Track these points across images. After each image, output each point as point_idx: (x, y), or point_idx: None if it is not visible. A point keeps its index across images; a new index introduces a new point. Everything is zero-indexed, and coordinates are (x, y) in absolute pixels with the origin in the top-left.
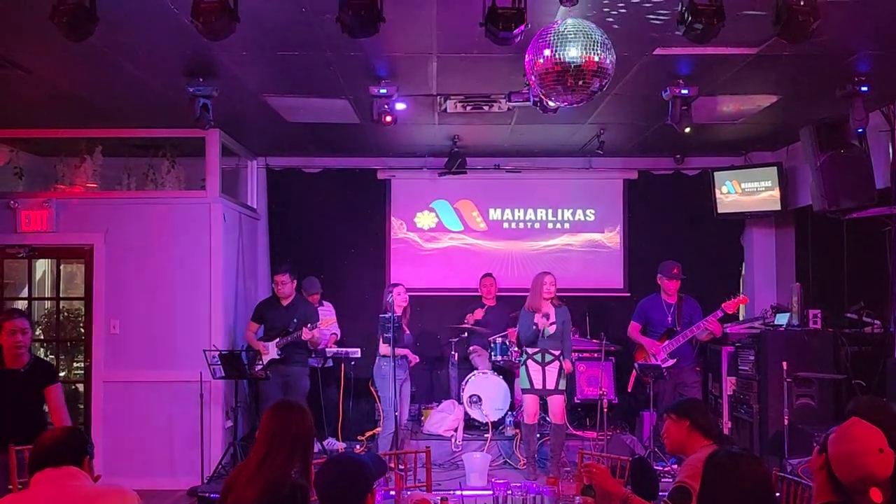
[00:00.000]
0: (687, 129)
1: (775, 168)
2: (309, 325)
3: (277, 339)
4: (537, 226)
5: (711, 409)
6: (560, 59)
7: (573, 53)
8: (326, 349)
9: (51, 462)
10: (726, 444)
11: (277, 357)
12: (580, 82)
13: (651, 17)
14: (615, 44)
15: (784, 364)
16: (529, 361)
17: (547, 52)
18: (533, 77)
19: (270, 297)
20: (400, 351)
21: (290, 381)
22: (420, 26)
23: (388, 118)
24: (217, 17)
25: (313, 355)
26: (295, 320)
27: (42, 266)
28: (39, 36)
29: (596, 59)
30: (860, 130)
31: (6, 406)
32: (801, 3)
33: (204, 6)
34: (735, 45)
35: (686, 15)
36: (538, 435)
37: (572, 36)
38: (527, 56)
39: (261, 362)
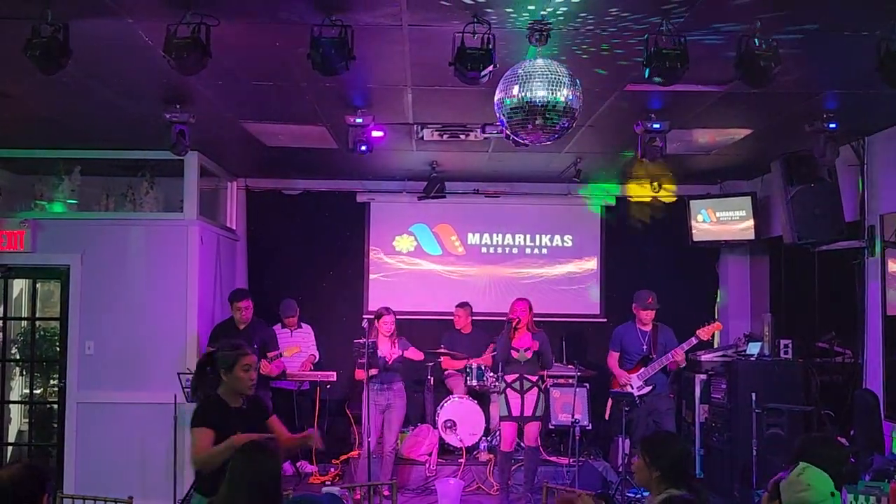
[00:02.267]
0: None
1: (749, 198)
2: (268, 356)
3: (263, 361)
4: (515, 251)
5: (685, 435)
6: (527, 98)
7: (540, 93)
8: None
9: (9, 502)
10: (689, 494)
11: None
12: (548, 122)
13: (620, 55)
14: (586, 81)
15: (753, 395)
16: (508, 390)
17: (515, 91)
18: (501, 116)
19: (227, 320)
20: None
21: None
22: (394, 61)
23: (365, 147)
24: (189, 53)
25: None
26: (255, 346)
27: (20, 283)
28: (16, 64)
29: (563, 98)
30: (827, 165)
31: None
32: (763, 49)
33: (176, 41)
34: (703, 84)
35: (652, 58)
36: (512, 461)
37: (539, 75)
38: (496, 95)
39: None
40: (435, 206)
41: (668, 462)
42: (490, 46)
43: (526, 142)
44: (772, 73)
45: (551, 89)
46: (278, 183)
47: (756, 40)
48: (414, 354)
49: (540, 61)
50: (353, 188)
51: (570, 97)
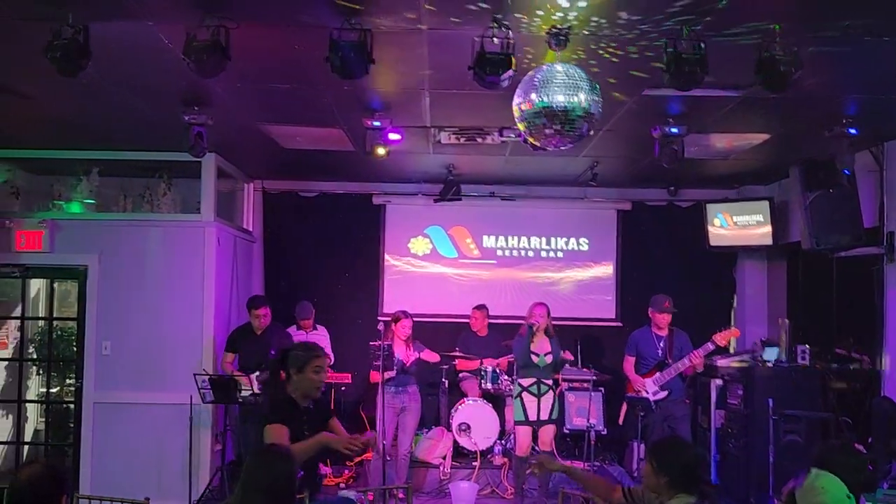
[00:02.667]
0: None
1: (767, 202)
2: None
3: (258, 374)
4: (531, 254)
5: (700, 441)
6: (546, 103)
7: (559, 98)
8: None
9: (29, 501)
10: (701, 500)
11: (259, 392)
12: (566, 127)
13: (638, 60)
14: (604, 86)
15: (770, 401)
16: (524, 394)
17: (534, 97)
18: (520, 121)
19: (244, 325)
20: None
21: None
22: (412, 65)
23: (382, 150)
24: (208, 56)
25: None
26: (272, 351)
27: (37, 283)
28: (37, 66)
29: (582, 104)
30: (847, 172)
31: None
32: (783, 54)
33: (196, 44)
34: (721, 88)
35: (671, 64)
36: (527, 465)
37: (558, 81)
38: (515, 100)
39: (248, 389)
40: (450, 208)
41: (678, 468)
42: (510, 51)
43: (545, 147)
44: (791, 78)
45: (570, 94)
46: (295, 185)
47: (776, 45)
48: (429, 356)
49: (559, 66)
50: (369, 190)
51: (590, 102)
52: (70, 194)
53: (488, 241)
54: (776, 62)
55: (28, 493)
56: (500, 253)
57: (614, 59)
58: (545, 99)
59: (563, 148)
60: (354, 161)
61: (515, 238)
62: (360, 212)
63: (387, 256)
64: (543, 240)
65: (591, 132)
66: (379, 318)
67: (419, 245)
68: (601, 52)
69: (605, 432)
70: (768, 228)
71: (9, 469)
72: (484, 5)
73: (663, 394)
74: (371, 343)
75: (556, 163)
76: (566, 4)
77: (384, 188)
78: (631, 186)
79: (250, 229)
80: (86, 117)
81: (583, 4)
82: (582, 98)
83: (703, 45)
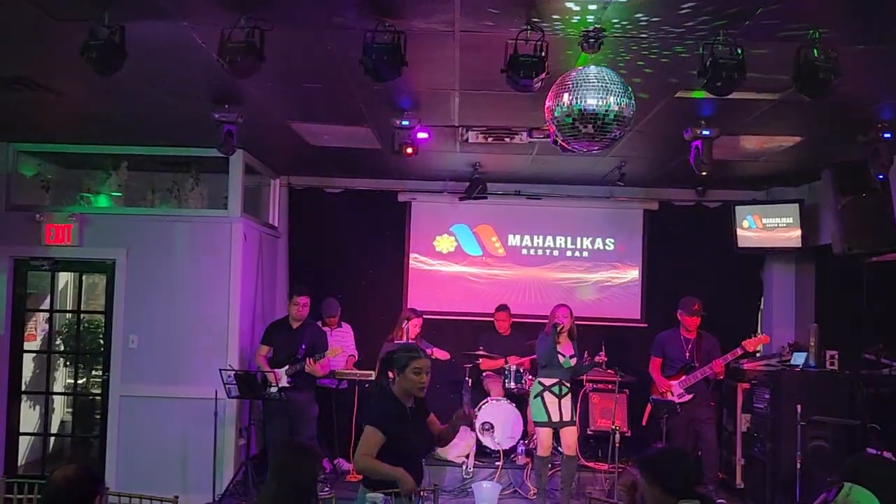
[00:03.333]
0: (703, 172)
1: (797, 205)
2: (315, 357)
3: (287, 367)
4: (556, 253)
5: (725, 444)
6: (578, 106)
7: (592, 102)
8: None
9: (64, 503)
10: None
11: (288, 385)
12: (598, 130)
13: (672, 63)
14: (635, 87)
15: (798, 407)
16: (546, 393)
17: (566, 99)
18: (552, 124)
19: (282, 318)
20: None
21: (296, 407)
22: (443, 65)
23: (410, 150)
24: (243, 57)
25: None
26: (303, 346)
27: (65, 275)
28: (72, 64)
29: (615, 107)
30: (881, 177)
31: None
32: (822, 59)
33: (230, 45)
34: (756, 91)
35: (708, 69)
36: (549, 465)
37: (592, 84)
38: (546, 102)
39: (275, 385)
40: (476, 206)
41: (668, 477)
42: (543, 54)
43: (577, 150)
44: (831, 84)
45: (603, 97)
46: (320, 181)
47: (815, 50)
48: (440, 354)
49: (592, 69)
50: (395, 187)
51: (623, 106)
52: (99, 188)
53: (513, 240)
54: (816, 68)
55: (64, 493)
56: (525, 252)
57: (646, 62)
58: (578, 102)
59: (594, 151)
60: (381, 158)
61: (541, 237)
62: (386, 209)
63: (411, 254)
64: (569, 239)
65: (624, 136)
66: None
67: (444, 243)
68: (633, 54)
69: (628, 434)
70: (798, 231)
71: (36, 459)
72: (517, 8)
73: (688, 396)
74: (396, 342)
75: (583, 162)
76: (599, 7)
77: (410, 185)
78: (658, 186)
79: (275, 225)
80: (116, 113)
81: (617, 8)
82: (615, 101)
83: (740, 50)
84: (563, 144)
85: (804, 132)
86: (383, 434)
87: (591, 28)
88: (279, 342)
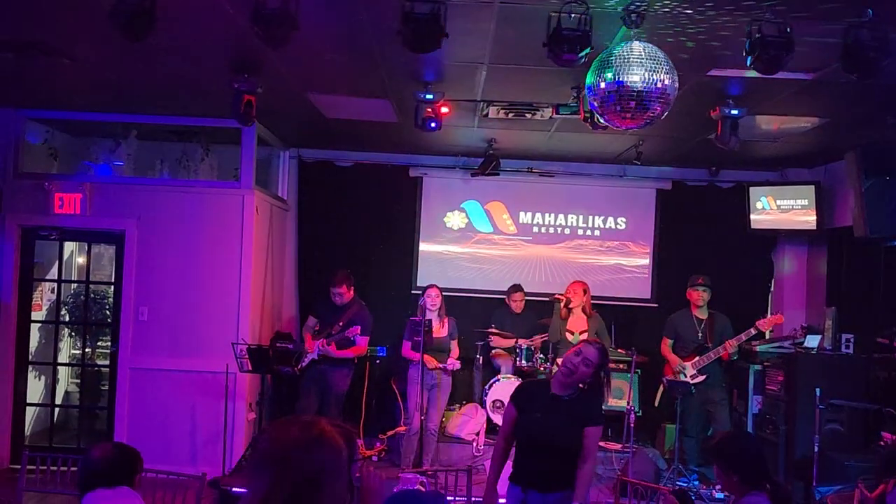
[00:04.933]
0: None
1: (813, 187)
2: (328, 340)
3: (322, 340)
4: (567, 231)
5: (735, 426)
6: (622, 82)
7: (636, 78)
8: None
9: (104, 482)
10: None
11: (316, 358)
12: (641, 107)
13: (710, 40)
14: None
15: (818, 390)
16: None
17: (609, 76)
18: (593, 101)
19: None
20: (430, 361)
21: (328, 381)
22: (476, 38)
23: (433, 124)
24: (278, 25)
25: None
26: (341, 323)
27: (70, 245)
28: (91, 29)
29: (659, 84)
30: None
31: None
32: (872, 39)
33: (266, 13)
34: (792, 70)
35: (755, 47)
36: None
37: (636, 59)
38: (588, 77)
39: (305, 358)
40: (487, 183)
41: (743, 461)
42: (587, 28)
43: (618, 127)
44: (879, 65)
45: (648, 74)
46: (331, 154)
47: (865, 31)
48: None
49: (636, 44)
50: (406, 162)
51: (667, 83)
52: (108, 157)
53: (525, 218)
54: (865, 48)
55: (112, 466)
56: (536, 230)
57: (688, 37)
58: (622, 78)
59: (635, 129)
60: (395, 132)
61: (552, 215)
62: (396, 184)
63: (422, 230)
64: (580, 217)
65: (665, 114)
66: (412, 291)
67: (455, 219)
68: (672, 30)
69: (640, 414)
70: (813, 212)
71: (42, 430)
72: None
73: (701, 377)
74: (411, 318)
75: (599, 140)
76: None
77: (421, 160)
78: (671, 165)
79: (285, 197)
80: (130, 81)
81: None
82: (658, 78)
83: (789, 28)
84: (598, 121)
85: (829, 114)
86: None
87: (634, 2)
88: (323, 316)
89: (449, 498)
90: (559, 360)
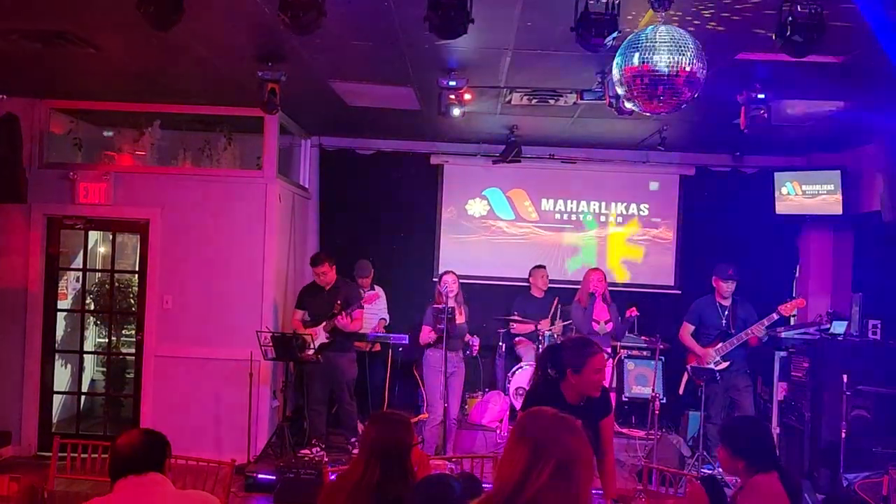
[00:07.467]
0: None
1: (839, 171)
2: (346, 311)
3: (325, 323)
4: (590, 217)
5: (761, 412)
6: (650, 66)
7: (664, 62)
8: (369, 334)
9: (134, 469)
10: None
11: (326, 341)
12: (670, 92)
13: (739, 23)
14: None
15: (845, 376)
16: None
17: (636, 59)
18: (620, 85)
19: (312, 282)
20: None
21: (336, 368)
22: (501, 23)
23: (457, 112)
24: (306, 12)
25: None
26: (338, 303)
27: (94, 234)
28: (118, 19)
29: (687, 68)
30: None
31: None
32: None
33: (293, 0)
34: (820, 54)
35: (787, 28)
36: None
37: (664, 43)
38: (615, 61)
39: (312, 346)
40: (509, 170)
41: (752, 448)
42: (615, 11)
43: (644, 112)
44: None
45: (676, 59)
46: (352, 142)
47: None
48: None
49: (664, 28)
50: (427, 150)
51: (697, 67)
52: (131, 148)
53: (546, 205)
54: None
55: (141, 453)
56: (558, 216)
57: (717, 22)
58: (650, 62)
59: (663, 114)
60: (417, 120)
61: (574, 202)
62: (418, 171)
63: (443, 217)
64: (603, 204)
65: (693, 98)
66: (434, 279)
67: (476, 206)
68: (700, 14)
69: (664, 401)
70: (838, 198)
71: (68, 417)
72: None
73: (725, 364)
74: (434, 306)
75: (624, 126)
76: None
77: (442, 148)
78: (695, 151)
79: (306, 186)
80: (155, 71)
81: None
82: (687, 62)
83: (822, 10)
84: (624, 106)
85: (857, 98)
86: None
87: None
88: (313, 305)
89: None
90: None
